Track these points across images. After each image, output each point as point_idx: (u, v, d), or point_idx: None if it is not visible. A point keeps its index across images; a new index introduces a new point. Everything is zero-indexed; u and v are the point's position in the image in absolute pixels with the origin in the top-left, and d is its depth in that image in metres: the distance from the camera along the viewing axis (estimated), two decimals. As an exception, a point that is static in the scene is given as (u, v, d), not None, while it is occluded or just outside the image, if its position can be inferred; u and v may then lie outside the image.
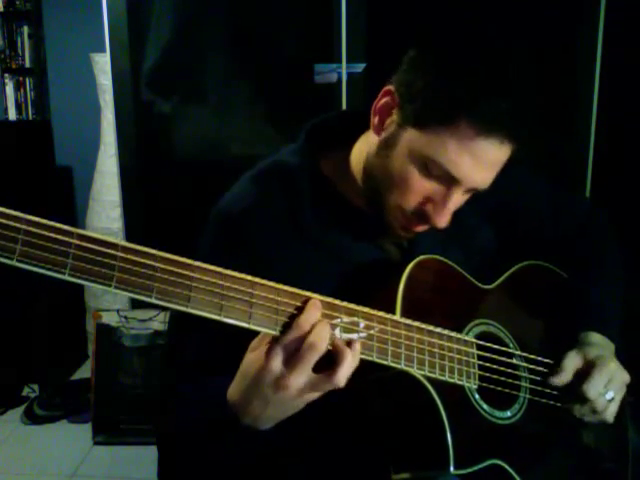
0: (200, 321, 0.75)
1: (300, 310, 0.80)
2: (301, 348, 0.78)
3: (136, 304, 2.76)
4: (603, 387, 1.02)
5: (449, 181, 0.93)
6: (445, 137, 0.90)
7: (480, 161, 0.91)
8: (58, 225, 0.66)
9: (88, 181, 3.24)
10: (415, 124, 0.93)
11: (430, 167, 0.92)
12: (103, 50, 2.57)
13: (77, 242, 0.67)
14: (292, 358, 0.79)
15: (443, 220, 0.96)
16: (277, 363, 0.79)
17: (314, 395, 0.82)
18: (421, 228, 1.00)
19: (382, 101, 0.99)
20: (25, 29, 3.58)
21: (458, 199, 0.97)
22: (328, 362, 0.81)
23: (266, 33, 2.61)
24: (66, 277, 0.66)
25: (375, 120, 1.00)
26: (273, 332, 0.79)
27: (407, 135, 0.94)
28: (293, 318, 0.80)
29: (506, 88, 0.89)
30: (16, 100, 3.63)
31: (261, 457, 0.93)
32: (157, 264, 0.72)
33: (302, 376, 0.79)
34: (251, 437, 0.87)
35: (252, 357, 0.83)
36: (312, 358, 0.78)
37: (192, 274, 0.74)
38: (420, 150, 0.92)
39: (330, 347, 0.81)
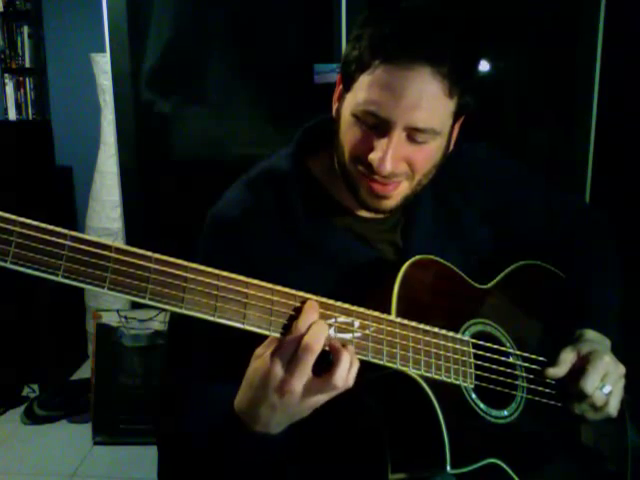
0: (200, 322, 0.76)
1: (297, 311, 0.81)
2: (297, 350, 0.79)
3: (136, 304, 2.75)
4: (599, 381, 1.02)
5: (384, 125, 0.94)
6: (365, 82, 0.94)
7: (399, 92, 0.91)
8: (51, 227, 0.67)
9: (88, 181, 3.25)
10: (348, 88, 0.98)
11: (364, 119, 0.95)
12: (103, 50, 2.58)
13: (70, 244, 0.67)
14: (291, 361, 0.80)
15: (384, 165, 0.94)
16: (279, 367, 0.80)
17: (320, 399, 0.83)
18: (380, 188, 0.99)
19: (338, 90, 1.04)
20: (25, 29, 3.58)
21: (401, 142, 0.95)
22: (329, 364, 0.81)
23: (266, 33, 2.61)
24: (59, 279, 0.67)
25: (334, 108, 1.05)
26: (267, 332, 0.80)
27: (345, 102, 0.99)
28: (291, 319, 0.81)
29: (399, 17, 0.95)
30: (16, 100, 3.63)
31: (269, 460, 0.93)
32: (150, 265, 0.72)
33: (302, 379, 0.80)
34: (262, 442, 0.88)
35: (257, 365, 0.84)
36: (309, 359, 0.79)
37: (186, 275, 0.74)
38: (353, 106, 0.96)
39: (327, 348, 0.81)
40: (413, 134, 0.95)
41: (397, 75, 0.91)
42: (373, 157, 0.95)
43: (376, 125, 0.95)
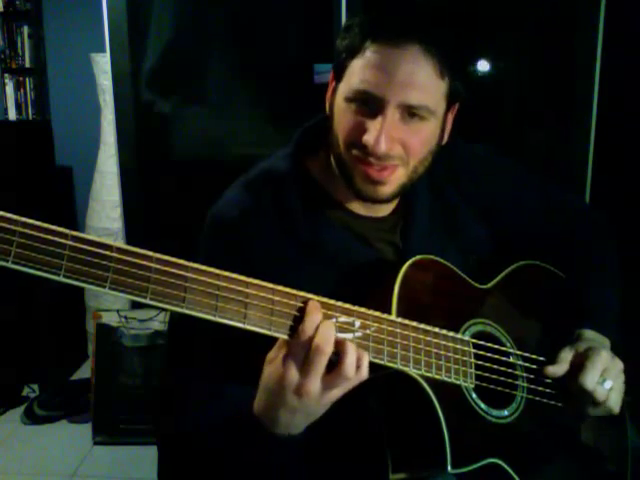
0: (201, 322, 0.76)
1: (299, 311, 0.81)
2: (309, 353, 0.80)
3: (136, 304, 2.75)
4: (599, 376, 1.02)
5: (377, 104, 0.96)
6: (357, 66, 0.96)
7: (391, 70, 0.93)
8: (53, 227, 0.67)
9: (88, 181, 3.25)
10: (340, 78, 1.00)
11: (358, 98, 0.97)
12: (103, 50, 2.58)
13: (71, 244, 0.67)
14: (304, 364, 0.80)
15: (379, 145, 0.95)
16: (293, 371, 0.81)
17: (335, 394, 0.83)
18: (375, 173, 1.00)
19: (330, 87, 1.05)
20: (25, 29, 3.58)
21: (395, 122, 0.96)
22: (332, 363, 0.82)
23: (266, 33, 2.61)
24: (61, 279, 0.67)
25: (327, 105, 1.06)
26: (268, 332, 0.80)
27: (338, 91, 1.01)
28: (292, 319, 0.81)
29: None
30: (16, 100, 3.63)
31: (285, 461, 0.93)
32: (152, 265, 0.72)
33: (317, 379, 0.81)
34: (282, 444, 0.89)
35: (270, 369, 0.84)
36: (321, 361, 0.80)
37: (187, 275, 0.74)
38: (346, 91, 0.98)
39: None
40: (406, 112, 0.96)
41: (388, 54, 0.93)
42: (368, 138, 0.96)
43: (369, 104, 0.96)
